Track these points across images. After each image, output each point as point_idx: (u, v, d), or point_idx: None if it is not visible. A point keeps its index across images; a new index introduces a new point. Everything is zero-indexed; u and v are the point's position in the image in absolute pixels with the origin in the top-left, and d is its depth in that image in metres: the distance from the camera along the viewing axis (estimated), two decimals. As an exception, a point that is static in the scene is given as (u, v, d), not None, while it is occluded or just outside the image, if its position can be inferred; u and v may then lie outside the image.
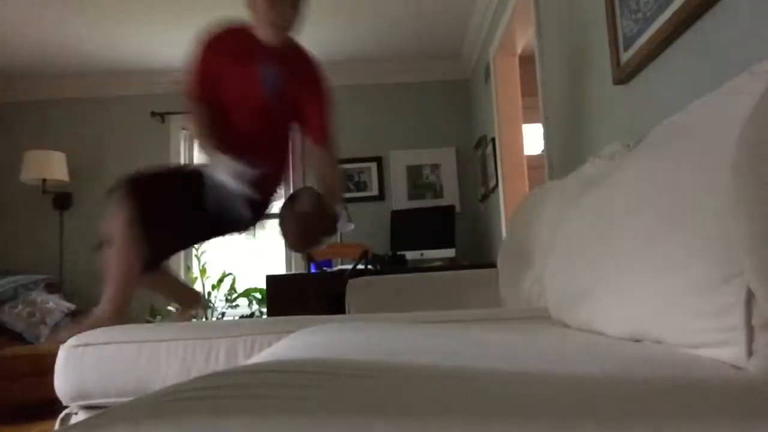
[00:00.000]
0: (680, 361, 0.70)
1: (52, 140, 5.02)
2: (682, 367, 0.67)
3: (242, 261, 5.09)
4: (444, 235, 4.60)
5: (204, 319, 4.43)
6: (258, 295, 4.69)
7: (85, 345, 1.58)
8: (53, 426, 1.67)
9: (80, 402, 1.57)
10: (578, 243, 1.17)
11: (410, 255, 4.51)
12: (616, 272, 0.94)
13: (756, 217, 0.57)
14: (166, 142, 5.13)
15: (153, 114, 5.10)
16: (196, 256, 4.90)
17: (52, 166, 4.70)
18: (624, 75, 1.98)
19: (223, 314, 4.70)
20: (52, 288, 4.43)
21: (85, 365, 1.56)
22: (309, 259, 4.05)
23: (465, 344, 0.89)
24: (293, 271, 4.97)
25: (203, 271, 4.83)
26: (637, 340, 0.84)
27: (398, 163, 5.15)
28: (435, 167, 5.16)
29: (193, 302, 2.34)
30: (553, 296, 1.25)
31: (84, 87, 5.12)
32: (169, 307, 4.42)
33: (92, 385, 1.54)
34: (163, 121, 5.12)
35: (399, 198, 5.09)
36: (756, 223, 0.57)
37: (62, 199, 4.98)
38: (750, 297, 0.66)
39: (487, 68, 4.37)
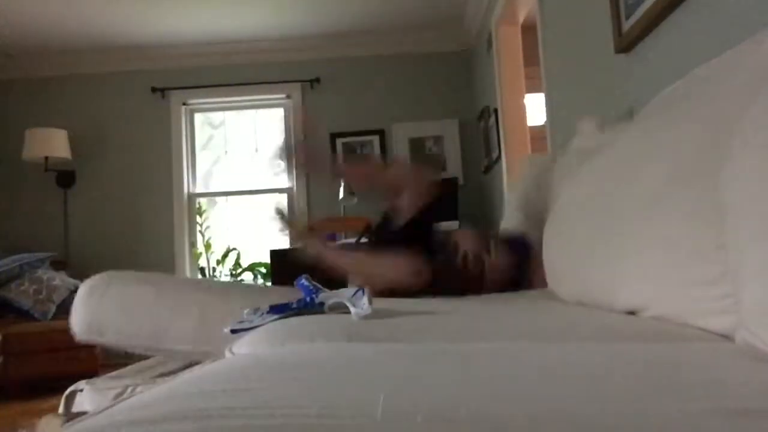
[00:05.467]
0: (667, 336, 0.70)
1: (53, 117, 5.00)
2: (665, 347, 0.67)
3: (246, 236, 5.11)
4: (447, 207, 4.59)
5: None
6: (263, 270, 4.72)
7: (109, 282, 1.58)
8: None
9: (93, 337, 1.56)
10: (574, 215, 1.16)
11: (413, 228, 4.50)
12: (612, 243, 0.94)
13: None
14: (167, 117, 5.11)
15: (153, 89, 5.08)
16: (200, 231, 4.92)
17: (54, 143, 4.70)
18: (626, 43, 1.95)
19: (228, 289, 4.73)
20: (58, 265, 4.46)
21: (104, 301, 1.55)
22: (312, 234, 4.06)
23: (448, 322, 0.89)
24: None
25: (208, 246, 4.85)
26: (631, 313, 0.84)
27: (401, 135, 5.12)
28: (438, 139, 5.13)
29: None
30: (551, 269, 1.25)
31: (84, 63, 5.08)
32: None
33: (108, 322, 1.54)
34: (163, 96, 5.09)
35: (402, 171, 5.07)
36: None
37: (65, 177, 4.99)
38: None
39: (489, 38, 4.31)
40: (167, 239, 5.00)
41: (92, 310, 1.55)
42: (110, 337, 1.54)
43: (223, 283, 1.80)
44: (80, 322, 1.56)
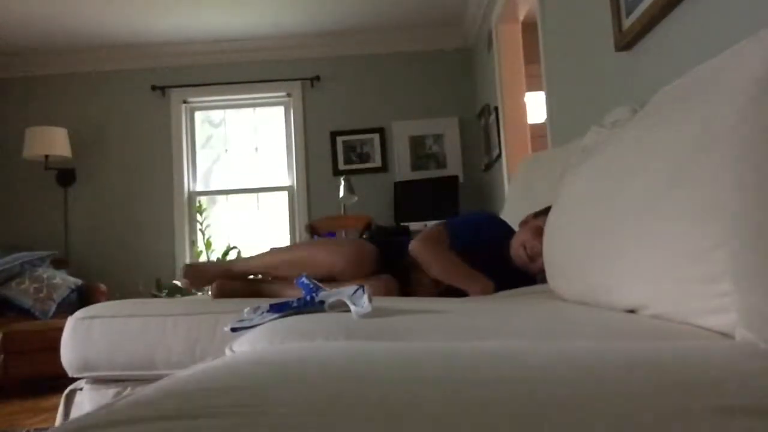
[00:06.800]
0: (666, 334, 0.70)
1: (53, 116, 5.00)
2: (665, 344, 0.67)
3: (247, 234, 5.11)
4: (447, 206, 4.59)
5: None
6: (263, 268, 4.71)
7: (93, 318, 1.59)
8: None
9: (86, 374, 1.58)
10: (574, 212, 1.16)
11: (414, 226, 4.50)
12: (612, 242, 0.94)
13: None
14: (167, 115, 5.11)
15: (153, 88, 5.07)
16: (200, 230, 4.92)
17: (54, 142, 4.70)
18: (626, 41, 1.95)
19: (228, 287, 4.72)
20: (58, 264, 4.46)
21: (91, 337, 1.56)
22: (312, 232, 4.06)
23: (450, 322, 0.89)
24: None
25: (208, 245, 4.85)
26: (631, 311, 0.84)
27: (401, 133, 5.12)
28: (438, 137, 5.12)
29: None
30: (551, 266, 1.25)
31: (84, 62, 5.08)
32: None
33: (98, 357, 1.55)
34: (163, 94, 5.09)
35: (402, 169, 5.07)
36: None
37: (65, 175, 4.99)
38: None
39: (490, 36, 4.31)
40: (167, 237, 5.00)
41: (80, 347, 1.55)
42: (103, 372, 1.55)
43: (208, 300, 1.79)
44: (70, 361, 1.56)
